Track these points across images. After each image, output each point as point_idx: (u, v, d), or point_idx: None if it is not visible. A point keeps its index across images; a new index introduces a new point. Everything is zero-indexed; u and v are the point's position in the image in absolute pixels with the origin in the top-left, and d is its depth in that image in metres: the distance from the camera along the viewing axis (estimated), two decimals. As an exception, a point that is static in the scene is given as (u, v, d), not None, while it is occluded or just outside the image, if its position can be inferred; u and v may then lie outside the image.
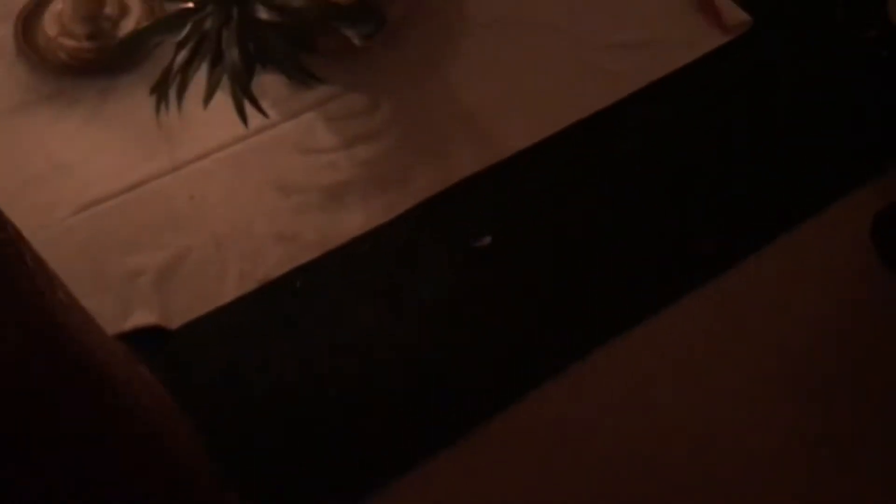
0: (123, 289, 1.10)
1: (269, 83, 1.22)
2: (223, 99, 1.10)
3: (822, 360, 1.11)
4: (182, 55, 1.06)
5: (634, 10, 1.38)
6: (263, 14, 1.04)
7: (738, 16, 1.36)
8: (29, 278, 0.55)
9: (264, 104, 1.16)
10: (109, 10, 1.27)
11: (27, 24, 1.29)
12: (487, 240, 1.16)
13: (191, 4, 1.07)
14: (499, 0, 1.37)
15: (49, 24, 1.28)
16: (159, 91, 1.06)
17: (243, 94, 1.07)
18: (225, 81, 1.09)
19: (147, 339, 1.06)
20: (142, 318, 1.08)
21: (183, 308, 1.09)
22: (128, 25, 1.28)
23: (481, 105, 1.28)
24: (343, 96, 1.26)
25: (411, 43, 1.30)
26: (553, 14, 1.36)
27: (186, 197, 1.17)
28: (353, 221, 1.17)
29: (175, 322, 1.08)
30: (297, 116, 1.24)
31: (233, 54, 1.06)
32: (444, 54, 1.31)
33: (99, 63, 1.26)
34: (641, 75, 1.31)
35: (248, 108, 1.09)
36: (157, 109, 1.07)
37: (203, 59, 1.08)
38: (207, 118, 1.16)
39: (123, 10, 1.28)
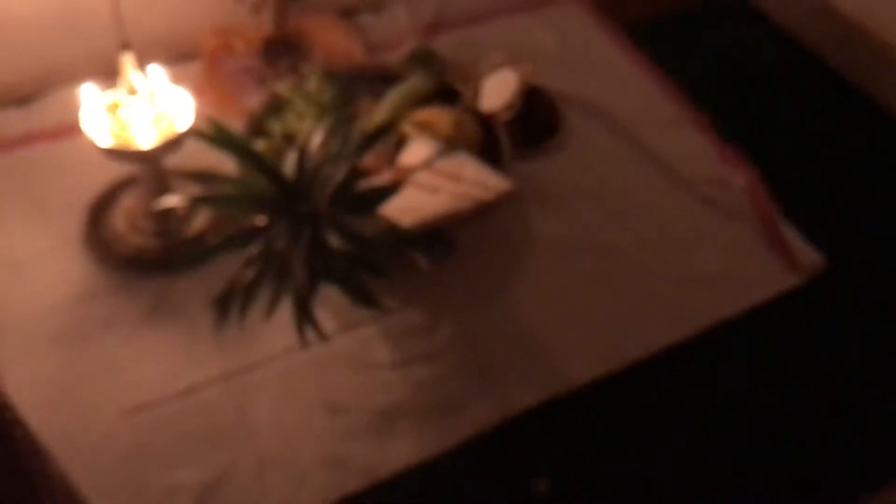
0: (161, 507, 1.05)
1: (329, 292, 1.20)
2: (280, 310, 1.07)
3: None
4: (249, 273, 1.04)
5: (705, 243, 1.36)
6: (334, 241, 1.03)
7: (810, 257, 1.33)
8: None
9: (322, 314, 1.14)
10: (179, 208, 1.28)
11: (97, 215, 1.31)
12: (545, 484, 1.09)
13: (261, 224, 1.07)
14: (567, 221, 1.36)
15: (118, 219, 1.29)
16: (222, 306, 1.04)
17: (305, 315, 1.05)
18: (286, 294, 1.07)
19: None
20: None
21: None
22: (197, 223, 1.28)
23: (543, 332, 1.24)
24: (402, 312, 1.24)
25: (476, 263, 1.28)
26: (622, 240, 1.35)
27: (233, 410, 1.13)
28: (404, 450, 1.12)
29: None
30: (353, 329, 1.22)
31: (299, 274, 1.05)
32: (509, 276, 1.29)
33: (162, 260, 1.26)
34: (709, 312, 1.27)
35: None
36: (218, 324, 1.04)
37: (268, 276, 1.06)
38: (261, 327, 1.13)
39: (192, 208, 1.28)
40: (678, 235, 1.36)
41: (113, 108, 1.16)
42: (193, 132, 1.07)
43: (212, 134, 1.05)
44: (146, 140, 1.13)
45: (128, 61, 1.11)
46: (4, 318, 1.20)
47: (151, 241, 1.26)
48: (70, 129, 1.41)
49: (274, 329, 1.12)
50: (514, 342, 1.23)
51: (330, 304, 1.20)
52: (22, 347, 1.17)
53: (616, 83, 1.60)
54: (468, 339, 1.23)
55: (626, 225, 1.37)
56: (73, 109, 1.41)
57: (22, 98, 1.48)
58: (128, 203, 1.29)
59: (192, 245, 1.26)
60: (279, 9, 1.50)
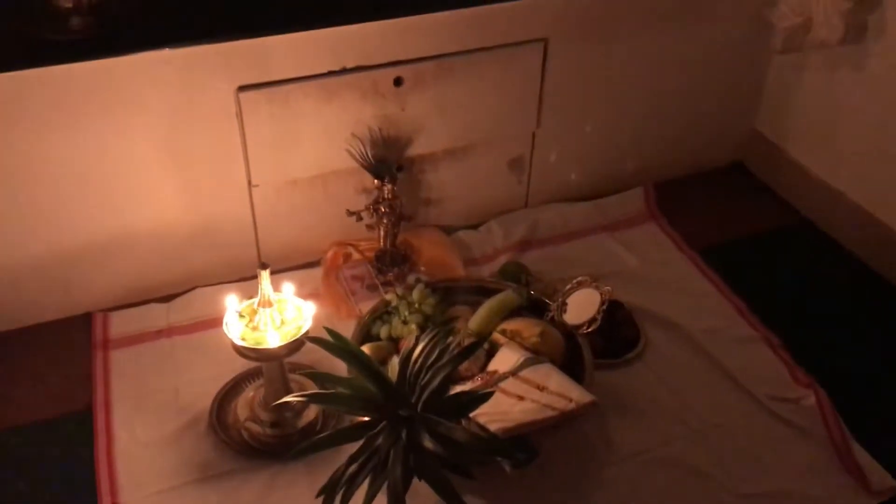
0: None
1: (420, 486, 1.31)
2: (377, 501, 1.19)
3: None
4: (353, 468, 1.17)
5: (777, 461, 1.42)
6: (428, 443, 1.16)
7: (884, 480, 1.37)
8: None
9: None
10: (296, 402, 1.44)
11: (222, 402, 1.48)
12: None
13: (367, 418, 1.21)
14: (644, 433, 1.45)
15: (241, 407, 1.46)
16: (327, 496, 1.17)
17: (398, 511, 1.16)
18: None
19: None
20: None
21: None
22: (307, 417, 1.44)
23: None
24: (482, 511, 1.33)
25: (557, 470, 1.37)
26: (696, 455, 1.42)
27: None
28: None
29: None
30: (441, 525, 1.31)
31: (395, 472, 1.17)
32: (587, 484, 1.37)
33: (274, 449, 1.41)
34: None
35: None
36: (320, 519, 1.16)
37: (368, 470, 1.19)
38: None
39: (305, 407, 1.44)
40: (751, 452, 1.43)
41: (248, 313, 1.35)
42: (313, 339, 1.24)
43: (329, 342, 1.22)
44: (273, 341, 1.32)
45: (265, 277, 1.31)
46: (132, 490, 1.35)
47: (268, 431, 1.41)
48: (206, 324, 1.64)
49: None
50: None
51: (418, 497, 1.31)
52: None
53: (692, 301, 1.73)
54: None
55: (701, 440, 1.45)
56: (209, 308, 1.65)
57: (166, 296, 1.71)
58: (249, 395, 1.46)
59: (302, 436, 1.41)
60: (391, 227, 1.72)
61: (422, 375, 1.23)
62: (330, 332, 1.23)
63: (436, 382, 1.21)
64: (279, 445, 1.41)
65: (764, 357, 1.61)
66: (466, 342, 1.37)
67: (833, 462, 1.41)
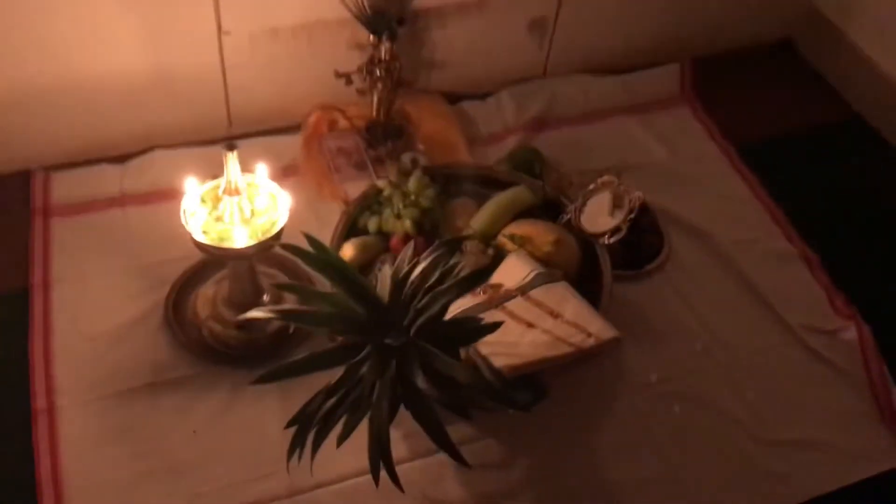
0: None
1: (405, 416, 1.15)
2: (354, 436, 1.02)
3: None
4: (330, 402, 0.99)
5: (809, 405, 1.26)
6: (421, 382, 0.97)
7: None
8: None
9: (396, 435, 1.09)
10: (266, 299, 1.24)
11: (181, 293, 1.28)
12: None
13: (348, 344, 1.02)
14: (662, 362, 1.29)
15: (201, 303, 1.25)
16: (296, 438, 0.99)
17: (382, 454, 0.99)
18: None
19: None
20: None
21: None
22: (279, 321, 1.24)
23: (623, 484, 1.16)
24: (479, 442, 1.17)
25: (563, 402, 1.20)
26: (719, 392, 1.26)
27: (296, 531, 1.08)
28: None
29: None
30: (427, 457, 1.15)
31: (381, 409, 0.99)
32: (597, 419, 1.22)
33: (239, 354, 1.22)
34: (808, 484, 1.17)
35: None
36: (290, 456, 0.99)
37: (348, 405, 1.01)
38: (331, 449, 1.07)
39: (278, 302, 1.24)
40: (780, 393, 1.27)
41: (211, 198, 1.12)
42: (287, 246, 1.02)
43: (308, 252, 1.01)
44: (240, 239, 1.10)
45: (232, 160, 1.07)
46: (72, 393, 1.17)
47: (232, 333, 1.22)
48: (164, 194, 1.40)
49: (346, 450, 1.06)
50: (594, 490, 1.15)
51: (402, 426, 1.15)
52: (84, 436, 1.13)
53: (724, 205, 1.52)
54: (546, 480, 1.15)
55: (724, 374, 1.28)
56: (168, 174, 1.41)
57: (119, 156, 1.46)
58: (212, 289, 1.26)
59: (272, 342, 1.22)
60: (386, 93, 1.46)
61: (417, 298, 1.02)
62: (309, 238, 1.01)
63: (435, 308, 1.00)
64: (245, 350, 1.22)
65: (801, 278, 1.43)
66: (473, 259, 1.16)
67: (872, 410, 1.26)
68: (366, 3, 1.39)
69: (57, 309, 1.26)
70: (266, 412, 1.16)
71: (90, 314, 1.26)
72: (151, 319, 1.25)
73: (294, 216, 1.13)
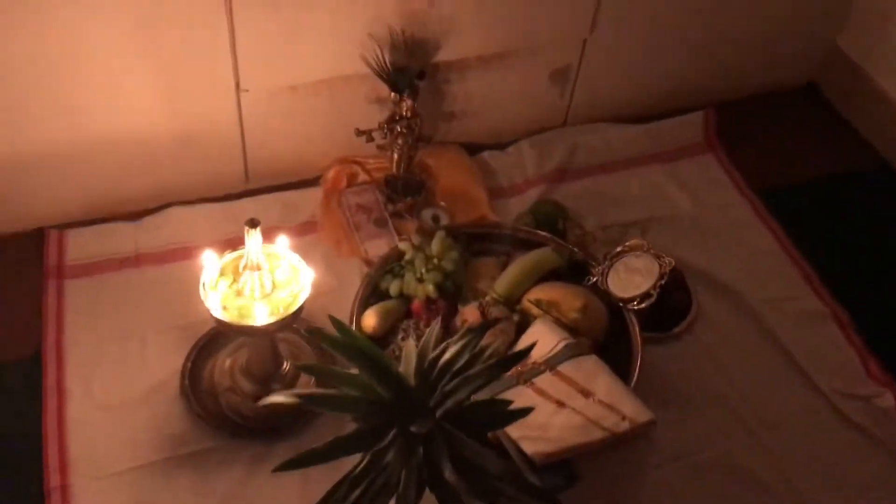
0: None
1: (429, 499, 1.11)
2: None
3: None
4: (355, 494, 0.95)
5: (845, 477, 1.22)
6: (448, 474, 0.93)
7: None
8: None
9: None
10: (286, 368, 1.20)
11: (196, 364, 1.24)
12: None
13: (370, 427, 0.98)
14: (692, 429, 1.25)
15: (219, 373, 1.22)
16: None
17: (409, 544, 0.95)
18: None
19: None
20: None
21: None
22: (302, 388, 1.20)
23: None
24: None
25: (594, 484, 1.16)
26: (752, 461, 1.22)
27: None
28: None
29: None
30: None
31: (406, 499, 0.95)
32: (623, 490, 1.18)
33: (258, 426, 1.18)
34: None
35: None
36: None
37: (374, 493, 0.97)
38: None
39: (297, 376, 1.21)
40: (812, 460, 1.23)
41: (231, 269, 1.09)
42: (311, 331, 0.99)
43: (333, 337, 0.97)
44: (261, 315, 1.06)
45: (253, 236, 1.04)
46: (87, 469, 1.13)
47: (250, 405, 1.18)
48: (181, 252, 1.37)
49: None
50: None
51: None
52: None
53: (752, 260, 1.49)
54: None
55: (757, 442, 1.24)
56: (185, 231, 1.38)
57: (134, 213, 1.43)
58: (230, 359, 1.22)
59: (292, 414, 1.19)
60: (406, 149, 1.43)
61: (445, 379, 0.99)
62: (335, 322, 0.98)
63: (462, 394, 0.97)
64: (265, 422, 1.18)
65: (833, 339, 1.39)
66: (502, 344, 1.13)
67: (910, 484, 1.22)
68: (387, 60, 1.36)
69: (71, 375, 1.23)
70: (284, 492, 1.13)
71: (105, 381, 1.23)
72: (168, 388, 1.22)
73: (316, 287, 1.10)
